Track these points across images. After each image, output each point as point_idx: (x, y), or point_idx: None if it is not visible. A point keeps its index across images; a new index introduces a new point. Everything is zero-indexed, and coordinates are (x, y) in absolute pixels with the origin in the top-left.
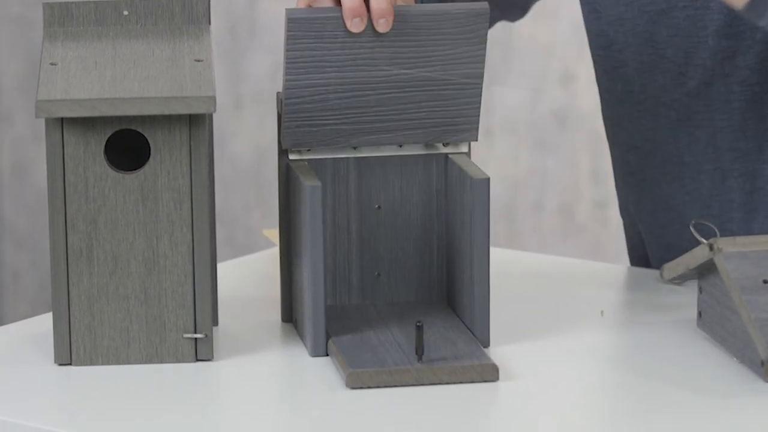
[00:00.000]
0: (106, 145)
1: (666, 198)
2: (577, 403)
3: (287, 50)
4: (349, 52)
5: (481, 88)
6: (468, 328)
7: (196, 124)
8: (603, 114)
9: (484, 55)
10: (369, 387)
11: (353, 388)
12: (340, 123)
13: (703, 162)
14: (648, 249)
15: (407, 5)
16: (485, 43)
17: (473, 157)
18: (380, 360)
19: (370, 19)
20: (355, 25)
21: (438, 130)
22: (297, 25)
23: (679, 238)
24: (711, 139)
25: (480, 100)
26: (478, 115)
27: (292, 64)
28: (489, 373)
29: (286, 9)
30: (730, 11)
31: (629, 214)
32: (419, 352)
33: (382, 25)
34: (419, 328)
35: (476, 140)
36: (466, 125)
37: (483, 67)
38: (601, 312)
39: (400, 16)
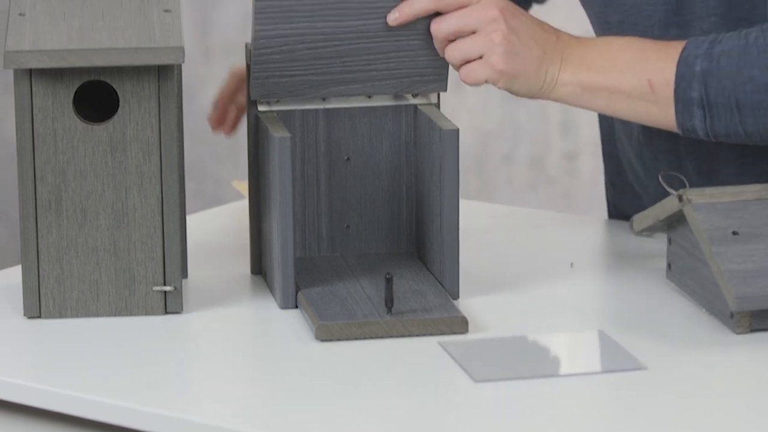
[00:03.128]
0: (74, 97)
1: (631, 168)
2: None
3: (256, 0)
4: (318, 1)
5: None
6: (437, 279)
7: (164, 75)
8: None
9: None
10: (338, 339)
11: (323, 340)
12: (309, 74)
13: (660, 143)
14: (617, 204)
15: None
16: None
17: (443, 109)
18: (350, 312)
19: None
20: None
21: (407, 80)
22: None
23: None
24: None
25: None
26: (447, 66)
27: (261, 14)
28: (458, 326)
29: None
30: (677, 1)
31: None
32: (389, 304)
33: None
34: (389, 280)
35: (445, 91)
36: (435, 76)
37: None
38: (571, 264)
39: None
